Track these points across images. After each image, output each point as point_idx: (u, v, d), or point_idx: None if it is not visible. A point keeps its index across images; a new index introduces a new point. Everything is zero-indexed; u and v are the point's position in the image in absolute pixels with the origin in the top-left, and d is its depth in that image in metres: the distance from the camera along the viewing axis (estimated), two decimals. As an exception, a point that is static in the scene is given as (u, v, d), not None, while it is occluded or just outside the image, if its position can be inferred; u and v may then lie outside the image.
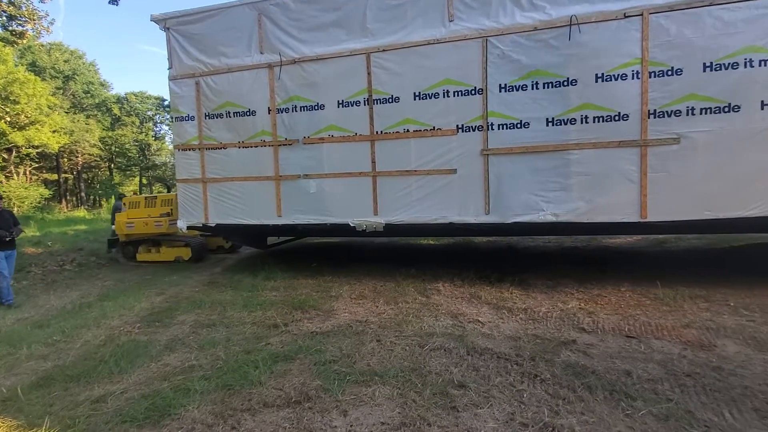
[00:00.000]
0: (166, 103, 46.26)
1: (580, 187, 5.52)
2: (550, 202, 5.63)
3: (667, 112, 5.21)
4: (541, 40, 5.51)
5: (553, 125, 5.56)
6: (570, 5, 5.38)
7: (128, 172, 41.27)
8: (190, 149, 7.26)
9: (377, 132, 6.27)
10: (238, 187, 7.03)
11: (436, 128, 6.01)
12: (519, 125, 5.69)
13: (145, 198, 10.03)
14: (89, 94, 35.48)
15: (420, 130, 6.07)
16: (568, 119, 5.50)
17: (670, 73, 5.17)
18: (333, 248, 9.56)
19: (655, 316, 4.24)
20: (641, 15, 5.18)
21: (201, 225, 7.28)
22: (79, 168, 35.71)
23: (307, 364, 3.63)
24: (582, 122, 5.46)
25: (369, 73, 6.21)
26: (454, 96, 5.90)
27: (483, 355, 3.53)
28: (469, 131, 5.88)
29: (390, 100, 6.17)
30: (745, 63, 4.95)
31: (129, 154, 39.17)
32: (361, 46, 6.20)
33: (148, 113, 43.96)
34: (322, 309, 5.09)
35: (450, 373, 3.27)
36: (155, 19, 7.17)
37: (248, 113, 6.86)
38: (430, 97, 5.99)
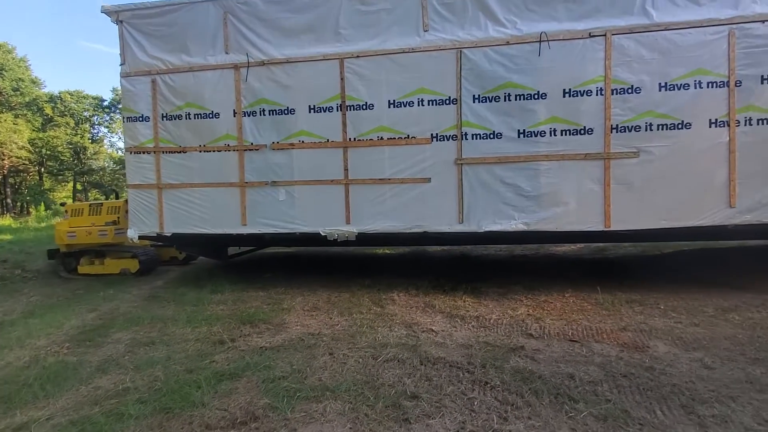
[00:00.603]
0: (105, 103, 43.29)
1: (549, 198, 5.69)
2: (521, 212, 5.76)
3: (627, 127, 5.52)
4: (512, 54, 5.67)
5: (524, 137, 5.71)
6: (540, 22, 5.59)
7: (60, 177, 37.90)
8: (143, 152, 6.70)
9: (350, 139, 6.13)
10: (198, 194, 6.57)
11: (410, 136, 5.98)
12: (492, 136, 5.79)
13: (90, 205, 9.15)
14: (18, 92, 32.33)
15: (394, 138, 6.01)
16: (537, 131, 5.68)
17: (630, 90, 5.49)
18: (287, 258, 9.23)
19: (596, 320, 4.52)
20: (605, 35, 5.49)
21: (155, 235, 6.71)
22: (5, 172, 32.25)
23: (255, 381, 3.46)
24: (551, 135, 5.66)
25: (342, 79, 6.08)
26: (428, 105, 5.91)
27: (436, 364, 3.57)
28: (444, 140, 5.90)
29: (364, 107, 6.07)
30: (695, 84, 5.37)
31: (62, 158, 36.04)
32: (334, 50, 6.07)
33: (85, 114, 40.84)
34: (273, 322, 4.91)
35: (403, 385, 3.27)
36: (106, 11, 6.60)
37: (211, 115, 6.46)
38: (405, 105, 5.96)
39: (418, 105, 5.93)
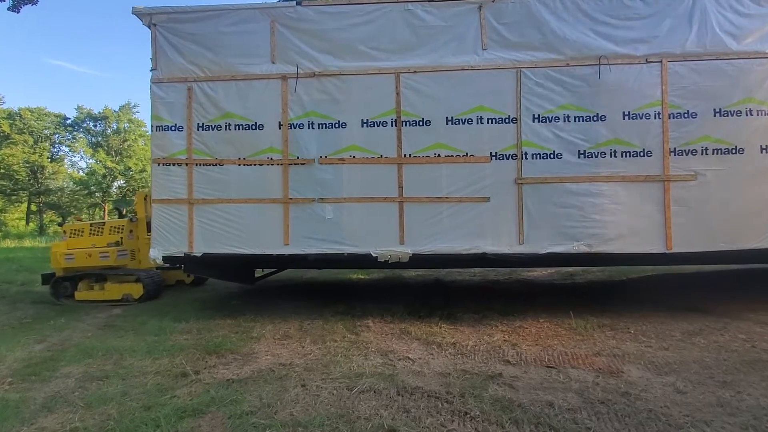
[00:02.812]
0: (68, 121, 41.10)
1: (609, 219, 5.63)
2: (581, 233, 5.65)
3: (685, 150, 5.61)
4: (573, 75, 5.70)
5: (585, 157, 5.68)
6: (597, 45, 5.67)
7: (14, 197, 35.03)
8: (174, 164, 6.13)
9: (406, 155, 5.88)
10: (235, 211, 6.04)
11: (469, 154, 5.81)
12: (552, 156, 5.72)
13: (91, 224, 8.28)
14: (-28, 107, 30.06)
15: (452, 156, 5.82)
16: (598, 152, 5.67)
17: (686, 115, 5.62)
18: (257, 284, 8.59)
19: (571, 346, 4.54)
20: (661, 62, 5.63)
21: (182, 255, 6.07)
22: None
23: (221, 417, 3.21)
24: (611, 156, 5.66)
25: (398, 94, 5.88)
26: (488, 123, 5.79)
27: (413, 394, 3.46)
28: (503, 159, 5.77)
29: (420, 123, 5.87)
30: (746, 111, 5.57)
31: (17, 177, 33.38)
32: (389, 65, 5.89)
33: (45, 132, 38.46)
34: (241, 352, 4.62)
35: (380, 417, 3.12)
36: (138, 13, 6.15)
37: (254, 127, 6.04)
38: (464, 123, 5.82)
39: (477, 123, 5.81)
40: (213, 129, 6.08)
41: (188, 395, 3.60)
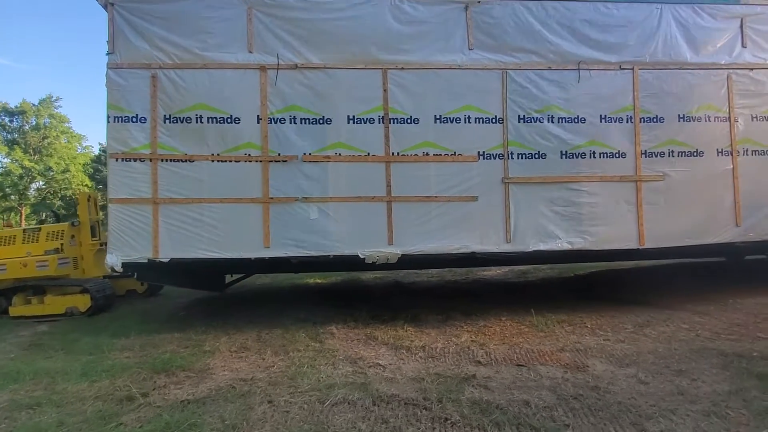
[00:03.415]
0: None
1: (590, 217, 5.85)
2: (565, 231, 5.81)
3: (654, 153, 5.98)
4: (553, 79, 5.86)
5: (566, 158, 5.85)
6: (577, 51, 5.88)
7: None
8: (135, 159, 5.47)
9: (394, 153, 5.70)
10: (208, 211, 5.51)
11: (457, 153, 5.76)
12: (537, 156, 5.84)
13: (24, 230, 7.21)
14: None
15: (441, 155, 5.74)
16: (579, 153, 5.87)
17: (655, 120, 5.99)
18: (203, 294, 8.01)
19: (535, 343, 4.65)
20: (632, 69, 5.96)
21: (146, 261, 5.42)
22: None
23: None
24: (591, 157, 5.89)
25: (385, 90, 5.70)
26: (475, 122, 5.79)
27: (390, 403, 3.34)
28: (490, 158, 5.79)
29: (408, 121, 5.73)
30: (705, 118, 6.06)
31: None
32: (377, 59, 5.69)
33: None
34: (194, 369, 4.22)
35: (358, 431, 2.99)
36: (91, -11, 5.43)
37: (229, 120, 5.55)
38: (452, 122, 5.76)
39: (465, 122, 5.78)
40: (182, 121, 5.51)
41: (137, 421, 3.18)
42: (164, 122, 5.50)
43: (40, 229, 7.27)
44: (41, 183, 41.50)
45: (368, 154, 5.68)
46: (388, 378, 3.81)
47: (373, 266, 5.74)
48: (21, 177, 39.43)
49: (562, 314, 5.53)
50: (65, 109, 45.35)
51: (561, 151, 5.85)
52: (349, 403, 3.32)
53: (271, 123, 5.59)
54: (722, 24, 6.15)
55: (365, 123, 5.69)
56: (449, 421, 3.00)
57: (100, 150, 46.96)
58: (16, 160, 39.44)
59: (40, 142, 41.17)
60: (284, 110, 5.61)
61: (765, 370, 3.60)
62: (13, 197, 39.48)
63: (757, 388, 3.31)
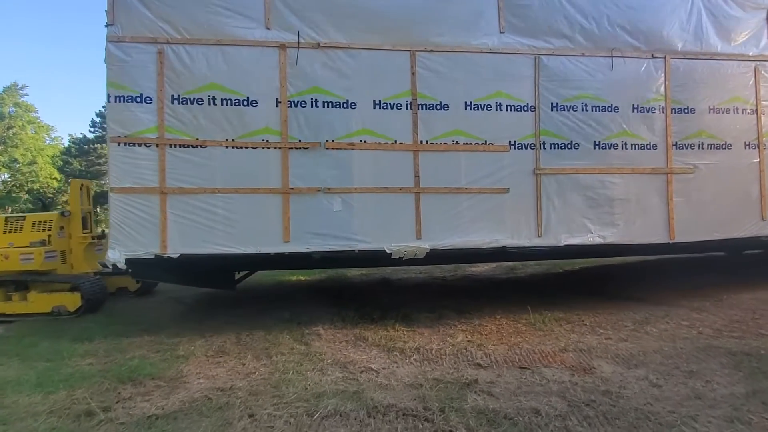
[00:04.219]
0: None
1: (621, 211, 5.66)
2: (596, 225, 5.61)
3: (684, 144, 5.84)
4: (586, 65, 5.63)
5: (599, 148, 5.64)
6: (610, 37, 5.67)
7: None
8: (140, 144, 4.93)
9: (422, 141, 5.35)
10: (222, 202, 5.03)
11: (488, 142, 5.46)
12: (569, 146, 5.61)
13: (6, 219, 6.49)
14: None
15: (471, 144, 5.43)
16: (611, 144, 5.67)
17: (686, 111, 5.85)
18: (181, 292, 7.48)
19: (535, 343, 4.45)
20: (664, 57, 5.79)
21: (153, 257, 4.90)
22: None
23: None
24: (622, 148, 5.70)
25: (413, 74, 5.33)
26: (506, 110, 5.50)
27: (387, 414, 3.02)
28: (522, 148, 5.53)
29: (438, 107, 5.39)
30: (734, 110, 5.96)
31: None
32: (405, 40, 5.32)
33: None
34: (165, 377, 3.80)
35: None
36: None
37: (245, 102, 5.08)
38: (482, 109, 5.45)
39: (496, 109, 5.49)
40: (192, 103, 5.00)
41: None
42: (172, 103, 4.97)
43: (24, 217, 6.59)
44: (6, 176, 39.17)
45: (395, 141, 5.32)
46: (383, 384, 3.51)
47: (399, 262, 5.38)
48: (-17, 169, 37.15)
49: (559, 311, 5.35)
50: (32, 98, 42.74)
51: (594, 142, 5.64)
52: (341, 416, 2.99)
53: (291, 106, 5.14)
54: (750, 15, 6.06)
55: (392, 108, 5.32)
56: None
57: (69, 141, 44.77)
58: (-22, 151, 37.11)
59: (4, 132, 38.80)
60: (305, 93, 5.17)
61: None
62: (-26, 190, 37.14)
63: (774, 389, 3.15)
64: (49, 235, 6.43)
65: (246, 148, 5.08)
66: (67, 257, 6.70)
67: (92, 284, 6.37)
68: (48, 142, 42.74)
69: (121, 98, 4.91)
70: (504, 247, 5.46)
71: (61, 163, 41.93)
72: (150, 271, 5.39)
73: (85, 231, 6.81)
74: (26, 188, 38.91)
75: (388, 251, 5.24)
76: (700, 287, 6.24)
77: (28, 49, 57.12)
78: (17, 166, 38.63)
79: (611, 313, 5.29)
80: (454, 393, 3.28)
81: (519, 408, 3.04)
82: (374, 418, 2.96)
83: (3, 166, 38.15)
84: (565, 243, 5.55)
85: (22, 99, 40.82)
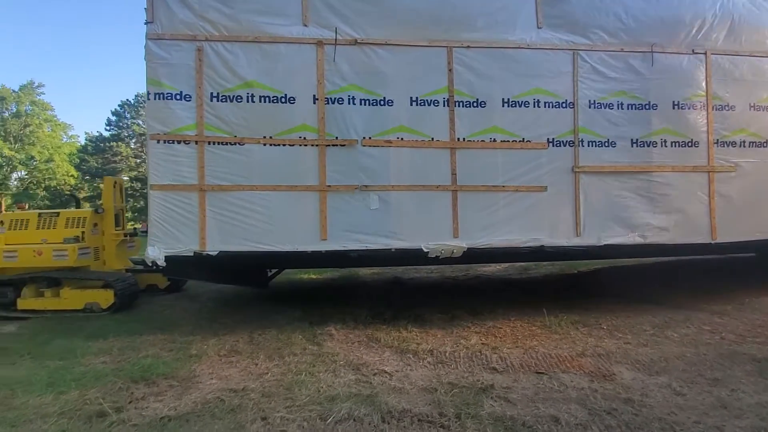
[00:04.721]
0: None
1: (662, 209, 5.55)
2: (636, 224, 5.51)
3: (726, 142, 5.70)
4: (626, 61, 5.52)
5: (638, 146, 5.53)
6: (650, 32, 5.55)
7: None
8: (179, 141, 4.94)
9: (459, 139, 5.29)
10: (260, 200, 5.02)
11: (526, 140, 5.38)
12: (606, 144, 5.50)
13: (39, 215, 6.57)
14: None
15: (509, 141, 5.35)
16: (650, 141, 5.56)
17: (727, 108, 5.71)
18: (196, 289, 7.57)
19: (552, 347, 4.34)
20: (705, 53, 5.66)
21: (192, 254, 4.91)
22: None
23: None
24: (662, 146, 5.58)
25: (450, 70, 5.27)
26: (545, 107, 5.41)
27: (401, 420, 2.94)
28: (560, 146, 5.44)
29: (475, 104, 5.32)
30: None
31: None
32: (441, 36, 5.26)
33: None
34: (178, 376, 3.75)
35: None
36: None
37: (283, 100, 5.06)
38: (520, 105, 5.38)
39: (534, 106, 5.40)
40: (231, 100, 5.00)
41: None
42: (211, 101, 4.97)
43: (58, 213, 6.64)
44: (23, 173, 39.82)
45: (432, 139, 5.27)
46: (397, 388, 3.44)
47: (436, 260, 5.34)
48: (0, 166, 37.79)
49: (575, 314, 5.22)
50: (48, 97, 43.38)
51: (632, 139, 5.53)
52: (354, 420, 2.92)
53: (328, 103, 5.11)
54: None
55: (429, 105, 5.26)
56: None
57: (86, 139, 45.40)
58: (-4, 148, 37.74)
59: (21, 130, 39.45)
60: (342, 90, 5.14)
61: None
62: (-7, 187, 37.80)
63: (802, 398, 3.06)
64: (83, 232, 6.48)
65: (283, 145, 5.07)
66: (100, 254, 6.75)
67: (125, 282, 6.41)
68: (65, 140, 43.42)
69: (161, 96, 4.92)
70: (542, 246, 5.38)
71: (78, 160, 42.54)
72: (184, 268, 5.41)
73: (117, 228, 6.87)
74: (43, 185, 39.51)
75: (425, 250, 5.20)
76: (720, 290, 6.10)
77: (44, 49, 57.96)
78: (34, 163, 39.25)
79: (629, 317, 5.16)
80: (469, 398, 3.22)
81: (537, 415, 2.95)
82: (388, 423, 2.89)
83: (20, 163, 38.77)
84: (605, 242, 5.45)
85: (38, 97, 41.45)
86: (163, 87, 4.92)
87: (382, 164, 5.19)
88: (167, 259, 4.88)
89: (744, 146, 5.75)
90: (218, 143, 4.99)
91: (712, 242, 5.64)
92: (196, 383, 3.60)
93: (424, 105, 5.26)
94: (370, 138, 5.17)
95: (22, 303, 6.16)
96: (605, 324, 4.94)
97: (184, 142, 4.94)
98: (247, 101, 5.01)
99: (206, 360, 4.13)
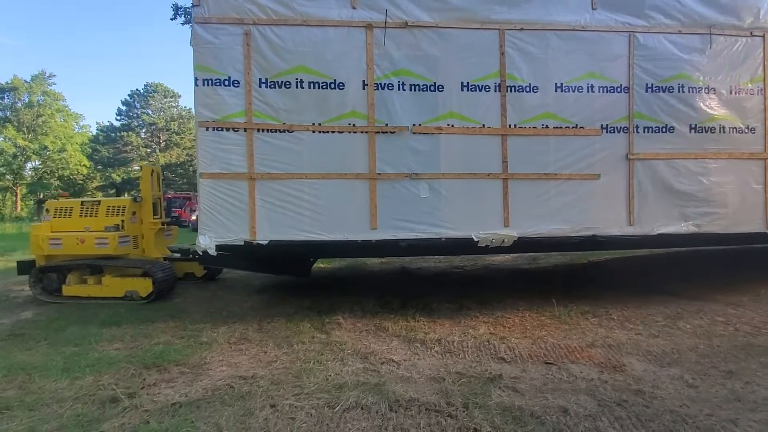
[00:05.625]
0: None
1: (718, 198, 5.39)
2: (690, 213, 5.36)
3: (786, 128, 5.50)
4: (683, 44, 5.31)
5: (695, 132, 5.36)
6: (708, 13, 5.33)
7: None
8: (228, 128, 4.85)
9: (511, 125, 5.15)
10: (309, 188, 4.94)
11: (578, 126, 5.23)
12: (663, 130, 5.33)
13: (82, 203, 6.55)
14: None
15: (561, 127, 5.20)
16: (708, 127, 5.38)
17: (787, 91, 5.49)
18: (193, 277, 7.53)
19: (561, 337, 4.30)
20: (763, 36, 5.43)
21: (243, 243, 4.86)
22: None
23: None
24: (720, 132, 5.40)
25: (502, 54, 5.11)
26: (599, 91, 5.24)
27: (409, 408, 2.94)
28: (614, 132, 5.28)
29: (527, 89, 5.16)
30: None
31: None
32: (493, 17, 5.08)
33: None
34: (189, 363, 3.80)
35: None
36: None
37: (333, 85, 4.94)
38: (573, 90, 5.21)
39: (588, 91, 5.23)
40: (280, 86, 4.88)
41: (120, 429, 2.76)
42: (260, 87, 4.86)
43: (99, 202, 6.62)
44: (37, 162, 40.15)
45: (483, 125, 5.13)
46: (404, 377, 3.43)
47: (486, 250, 5.25)
48: (15, 156, 38.13)
49: (585, 304, 5.16)
50: (59, 87, 43.47)
51: (690, 125, 5.35)
52: (362, 409, 2.94)
53: (377, 89, 4.98)
54: None
55: (480, 91, 5.12)
56: None
57: (97, 129, 45.57)
58: (9, 139, 38.07)
59: (33, 120, 39.69)
60: (392, 75, 5.00)
61: None
62: (8, 177, 38.17)
63: (817, 391, 3.00)
64: (123, 220, 6.46)
65: (332, 132, 4.96)
66: (139, 242, 6.74)
67: (163, 270, 6.39)
68: (77, 130, 43.65)
69: (209, 81, 4.82)
70: (594, 235, 5.26)
71: (90, 150, 42.77)
72: (228, 257, 5.35)
73: (155, 217, 6.84)
74: (57, 174, 39.84)
75: (475, 239, 5.10)
76: (735, 281, 5.99)
77: (55, 39, 57.81)
78: (47, 153, 39.55)
79: (640, 307, 5.09)
80: (477, 388, 3.20)
81: (546, 406, 2.93)
82: (396, 412, 2.89)
83: (33, 153, 39.09)
84: (658, 232, 5.32)
85: (50, 87, 41.57)
86: (211, 72, 4.82)
87: (432, 152, 5.06)
88: (218, 247, 4.84)
89: (803, 132, 5.54)
90: (267, 130, 4.89)
91: (767, 231, 5.48)
92: (206, 370, 3.65)
93: (475, 90, 5.11)
94: (420, 125, 5.04)
95: (67, 290, 6.19)
96: (615, 314, 4.89)
97: (233, 129, 4.85)
98: (296, 87, 4.89)
99: (216, 347, 4.17)
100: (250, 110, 4.85)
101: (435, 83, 5.06)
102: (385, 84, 5.00)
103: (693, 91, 5.34)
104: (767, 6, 5.44)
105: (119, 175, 41.22)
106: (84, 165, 41.26)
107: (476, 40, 5.09)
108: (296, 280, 6.89)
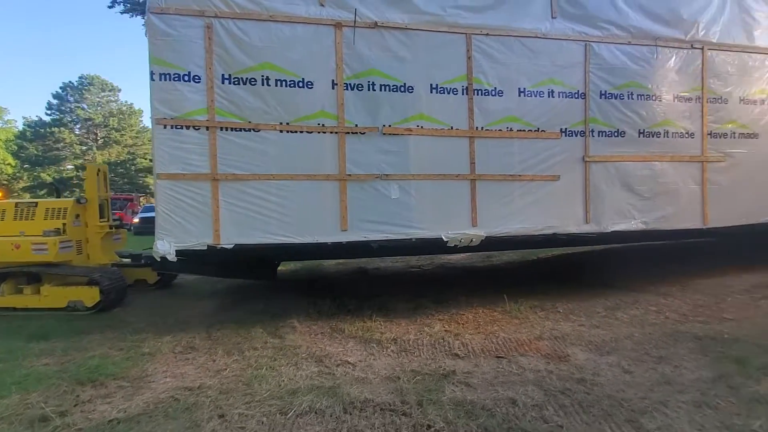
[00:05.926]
0: None
1: (663, 197, 5.84)
2: (639, 211, 5.76)
3: (717, 134, 6.06)
4: (633, 54, 5.70)
5: (643, 137, 5.76)
6: (653, 26, 5.75)
7: None
8: (189, 126, 4.57)
9: (478, 128, 5.26)
10: (276, 189, 4.76)
11: (540, 129, 5.45)
12: (615, 134, 5.69)
13: (16, 204, 5.89)
14: None
15: (524, 130, 5.39)
16: (654, 132, 5.80)
17: (720, 101, 6.05)
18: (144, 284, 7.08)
19: (511, 331, 4.46)
20: (702, 48, 5.95)
21: (206, 248, 4.59)
22: None
23: None
24: (664, 136, 5.84)
25: (469, 58, 5.21)
26: (558, 97, 5.49)
27: (364, 410, 2.96)
28: (572, 136, 5.56)
29: (492, 93, 5.30)
30: (760, 101, 6.23)
31: None
32: (461, 22, 5.17)
33: None
34: (129, 377, 3.60)
35: None
36: None
37: (301, 84, 4.79)
38: (535, 95, 5.42)
39: (548, 96, 5.47)
40: (245, 83, 4.67)
41: None
42: (223, 83, 4.62)
43: (36, 204, 5.98)
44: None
45: (451, 127, 5.20)
46: (360, 378, 3.43)
47: (454, 249, 5.33)
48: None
49: (534, 299, 5.39)
50: (-23, 76, 39.12)
51: (638, 130, 5.75)
52: (316, 413, 2.90)
53: (347, 89, 4.91)
54: (775, 10, 6.30)
55: (448, 93, 5.19)
56: (432, 429, 2.69)
57: (24, 125, 41.46)
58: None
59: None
60: (362, 75, 4.94)
61: (741, 354, 3.61)
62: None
63: (738, 373, 3.29)
64: (64, 224, 5.90)
65: (301, 132, 4.82)
66: (84, 248, 6.19)
67: (111, 277, 5.92)
68: (0, 125, 39.50)
69: (167, 76, 4.51)
70: (555, 233, 5.51)
71: (16, 147, 38.86)
72: (188, 263, 5.05)
73: (102, 220, 6.31)
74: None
75: (444, 239, 5.16)
76: (667, 274, 6.42)
77: (-31, 22, 51.97)
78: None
79: (584, 300, 5.38)
80: (431, 385, 3.25)
81: (496, 398, 3.03)
82: (351, 414, 2.89)
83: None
84: (612, 229, 5.66)
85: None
86: (169, 66, 4.51)
87: (402, 153, 5.06)
88: (179, 252, 4.54)
89: (733, 137, 6.13)
90: (232, 129, 4.66)
91: (704, 227, 6.01)
92: (148, 383, 3.45)
93: (444, 93, 5.17)
94: (390, 126, 5.02)
95: (1, 300, 5.56)
96: (562, 308, 5.12)
97: (194, 127, 4.57)
98: (262, 84, 4.70)
99: (160, 358, 3.94)
100: (213, 107, 4.60)
101: (405, 84, 5.06)
102: (355, 84, 4.93)
103: (641, 99, 5.74)
104: (706, 21, 5.96)
105: (50, 175, 37.72)
106: (8, 164, 37.50)
107: (444, 43, 5.15)
108: (249, 283, 6.58)
